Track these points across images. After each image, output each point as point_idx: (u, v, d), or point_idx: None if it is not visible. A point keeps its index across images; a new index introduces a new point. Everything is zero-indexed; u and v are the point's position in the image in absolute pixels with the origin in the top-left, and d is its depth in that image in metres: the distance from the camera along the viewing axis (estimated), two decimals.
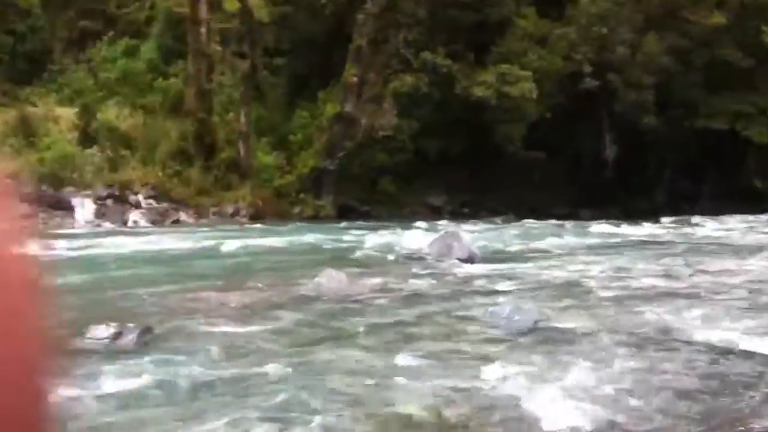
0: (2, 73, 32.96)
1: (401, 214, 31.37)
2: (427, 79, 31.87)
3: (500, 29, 33.72)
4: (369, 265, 12.08)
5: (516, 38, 34.32)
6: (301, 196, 30.89)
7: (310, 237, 19.14)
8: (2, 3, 32.58)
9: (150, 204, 27.99)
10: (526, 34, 34.28)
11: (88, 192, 27.21)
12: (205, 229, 23.39)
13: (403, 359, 5.30)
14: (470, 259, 11.88)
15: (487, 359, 5.21)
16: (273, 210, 29.64)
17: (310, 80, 34.49)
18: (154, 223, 26.06)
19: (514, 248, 15.70)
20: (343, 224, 25.99)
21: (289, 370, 5.02)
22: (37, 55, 33.94)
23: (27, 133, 28.93)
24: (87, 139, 29.71)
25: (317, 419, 3.93)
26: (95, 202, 26.63)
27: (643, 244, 16.99)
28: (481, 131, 31.97)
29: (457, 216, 30.41)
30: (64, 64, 34.92)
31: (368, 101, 32.00)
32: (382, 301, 8.13)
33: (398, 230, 19.67)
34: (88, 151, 29.14)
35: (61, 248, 14.88)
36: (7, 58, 32.92)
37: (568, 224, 24.78)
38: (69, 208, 25.83)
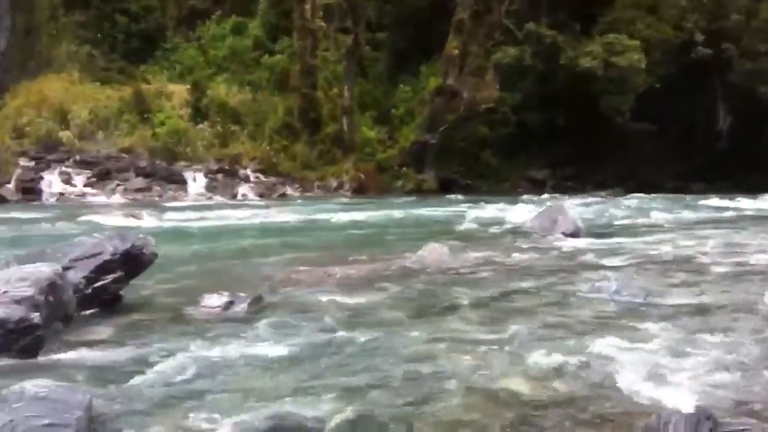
0: (118, 52, 34.38)
1: (503, 188, 31.07)
2: (531, 50, 31.27)
3: None
4: (471, 238, 12.07)
5: (624, 6, 33.20)
6: (403, 169, 31.03)
7: (412, 210, 19.26)
8: None
9: (258, 178, 28.78)
10: (634, 3, 33.11)
11: (200, 166, 28.22)
12: (309, 202, 23.89)
13: (507, 333, 5.30)
14: (575, 234, 11.68)
15: (594, 335, 5.15)
16: (375, 184, 29.93)
17: (411, 54, 34.45)
18: (261, 196, 26.80)
19: (621, 223, 15.34)
20: (445, 198, 25.99)
21: (394, 340, 5.10)
22: (151, 34, 35.19)
23: (142, 109, 30.19)
24: (198, 114, 30.75)
25: (421, 390, 4.00)
26: (206, 176, 27.60)
27: (760, 219, 16.27)
28: (587, 103, 31.19)
29: (561, 190, 29.88)
30: (175, 42, 36.11)
31: (470, 74, 31.70)
32: (485, 274, 8.12)
33: (500, 204, 19.53)
34: (200, 126, 30.18)
35: (175, 220, 15.52)
36: (122, 37, 34.30)
37: (679, 198, 23.96)
38: (182, 182, 26.87)
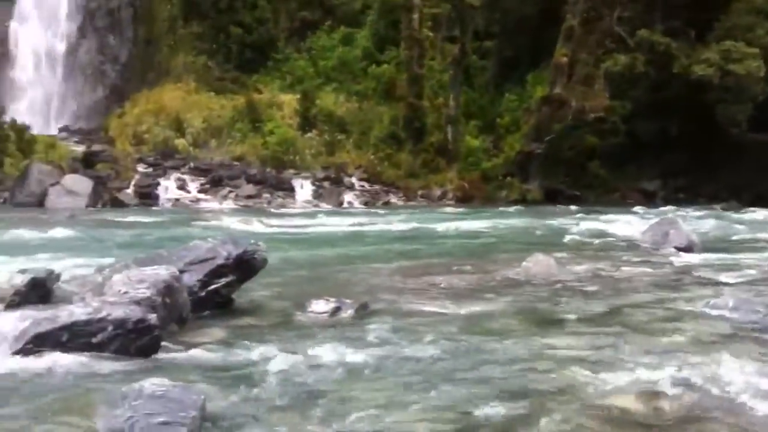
0: (232, 62, 35.54)
1: (611, 199, 30.32)
2: (643, 58, 30.40)
3: (724, 3, 31.42)
4: (578, 250, 11.82)
5: (742, 13, 31.81)
6: (508, 179, 30.75)
7: (517, 220, 19.04)
8: None
9: (363, 186, 29.14)
10: (753, 8, 31.68)
11: (307, 174, 28.83)
12: (414, 211, 23.99)
13: (617, 348, 5.16)
14: (689, 248, 11.25)
15: (710, 353, 4.95)
16: (479, 193, 29.77)
17: (518, 63, 34.13)
18: (366, 204, 27.12)
19: (738, 237, 14.70)
20: (551, 208, 25.57)
21: (500, 352, 5.06)
22: (263, 45, 36.21)
23: (253, 118, 31.14)
24: (306, 123, 31.44)
25: (529, 405, 3.95)
26: (313, 184, 28.17)
27: None
28: (702, 112, 30.04)
29: (673, 202, 28.88)
30: (286, 53, 37.05)
31: (579, 82, 31.13)
32: (593, 287, 7.94)
33: (609, 215, 19.07)
34: (308, 135, 30.85)
35: (283, 226, 15.90)
36: (236, 48, 35.45)
37: None
38: (290, 189, 27.52)
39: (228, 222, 16.39)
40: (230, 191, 26.74)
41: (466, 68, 33.36)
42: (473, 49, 34.08)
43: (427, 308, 6.63)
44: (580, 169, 31.54)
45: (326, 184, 28.43)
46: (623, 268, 9.40)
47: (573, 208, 25.59)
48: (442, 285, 8.03)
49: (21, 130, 27.17)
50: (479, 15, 34.42)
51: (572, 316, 6.36)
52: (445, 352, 4.98)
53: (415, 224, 17.53)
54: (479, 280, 8.44)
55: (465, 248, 12.71)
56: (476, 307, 6.69)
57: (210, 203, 25.70)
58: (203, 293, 6.38)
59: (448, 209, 25.26)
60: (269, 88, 34.17)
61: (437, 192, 29.71)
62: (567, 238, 13.84)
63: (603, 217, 18.65)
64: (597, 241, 13.39)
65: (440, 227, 16.46)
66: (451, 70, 32.56)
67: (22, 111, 33.22)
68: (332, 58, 36.20)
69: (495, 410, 3.81)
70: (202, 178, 27.45)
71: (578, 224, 16.44)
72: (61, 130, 33.48)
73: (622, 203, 28.89)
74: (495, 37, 35.18)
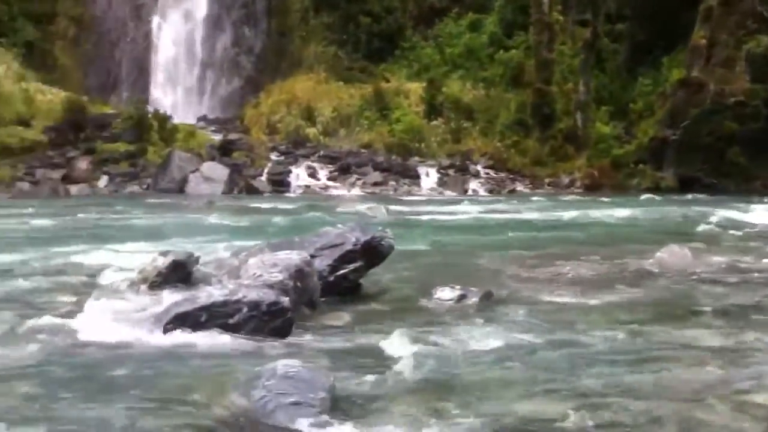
0: (361, 52, 36.02)
1: (752, 188, 28.69)
2: None
3: None
4: (715, 241, 11.31)
5: None
6: (640, 167, 29.67)
7: (650, 210, 18.41)
8: None
9: (488, 173, 28.93)
10: None
11: (432, 162, 28.91)
12: (540, 198, 23.61)
13: (755, 344, 4.94)
14: None
15: None
16: (609, 181, 28.92)
17: (652, 46, 32.80)
18: (491, 192, 26.91)
19: None
20: (686, 197, 24.53)
21: (630, 344, 4.95)
22: (391, 34, 36.47)
23: (381, 106, 31.49)
24: (433, 111, 31.49)
25: (660, 398, 3.85)
26: (438, 171, 28.22)
27: None
28: None
29: None
30: (414, 41, 37.17)
31: (718, 65, 29.59)
32: (731, 280, 7.60)
33: (749, 205, 18.08)
34: (434, 122, 30.90)
35: (409, 213, 16.05)
36: (365, 37, 35.88)
37: None
38: (415, 177, 27.69)
39: (356, 208, 16.70)
40: (358, 178, 27.21)
41: (597, 52, 32.40)
42: (605, 33, 33.04)
43: (553, 298, 6.55)
44: (717, 157, 29.98)
45: (451, 171, 28.41)
46: (764, 261, 8.93)
47: (710, 197, 24.45)
48: (569, 275, 7.90)
49: (163, 119, 28.64)
50: None
51: (707, 309, 6.12)
52: (573, 343, 4.92)
53: (541, 212, 17.26)
54: (609, 270, 8.24)
55: (593, 237, 12.41)
56: (605, 298, 6.55)
57: (338, 190, 26.25)
58: (332, 278, 6.57)
59: (577, 197, 24.70)
60: (396, 76, 34.43)
61: (565, 180, 29.09)
62: (704, 228, 13.25)
63: (742, 206, 17.71)
64: (736, 232, 12.75)
65: (568, 215, 16.14)
66: (581, 54, 31.72)
67: (165, 101, 35.08)
68: (459, 45, 36.03)
69: (622, 403, 3.74)
70: (331, 165, 28.06)
71: (716, 214, 15.70)
72: (199, 119, 35.05)
73: (763, 192, 27.33)
74: (627, 20, 33.94)
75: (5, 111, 26.80)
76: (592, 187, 28.20)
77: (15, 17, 32.69)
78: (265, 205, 18.93)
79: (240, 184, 25.25)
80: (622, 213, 16.92)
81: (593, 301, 6.42)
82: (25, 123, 27.00)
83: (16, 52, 30.89)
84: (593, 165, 29.36)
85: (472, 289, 6.50)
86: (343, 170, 27.70)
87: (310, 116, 31.47)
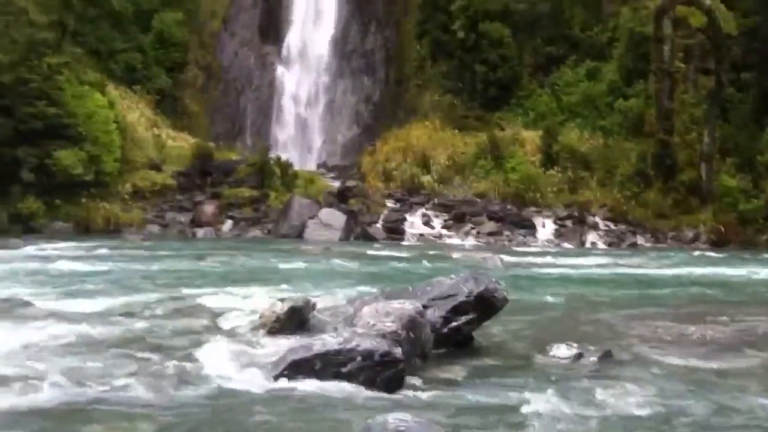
0: (477, 100, 36.16)
1: None
2: None
3: None
4: None
5: None
6: None
7: None
8: (478, 35, 35.71)
9: (607, 226, 28.18)
10: None
11: (548, 212, 28.44)
12: (663, 253, 22.79)
13: None
14: None
15: None
16: (736, 237, 27.59)
17: None
18: (610, 245, 26.15)
19: None
20: None
21: (761, 414, 4.66)
22: (507, 82, 36.44)
23: (496, 155, 31.38)
24: (548, 160, 31.10)
25: None
26: (555, 222, 27.73)
27: None
28: None
29: None
30: (530, 89, 37.01)
31: None
32: None
33: None
34: (550, 172, 30.49)
35: (524, 265, 15.81)
36: (481, 86, 36.02)
37: None
38: (531, 227, 27.30)
39: (470, 258, 16.61)
40: (472, 227, 27.08)
41: (722, 102, 31.22)
42: (730, 81, 31.83)
43: (677, 361, 6.27)
44: None
45: (568, 222, 27.83)
46: None
47: None
48: (694, 336, 7.54)
49: (285, 165, 29.59)
50: (736, 45, 32.16)
51: None
52: (699, 409, 4.68)
53: (664, 268, 16.63)
54: (737, 332, 7.82)
55: (721, 297, 11.83)
56: (734, 363, 6.21)
57: (453, 239, 26.18)
58: (445, 330, 6.53)
59: (702, 253, 23.67)
60: (512, 124, 34.28)
61: (689, 234, 27.94)
62: None
63: None
64: None
65: (693, 272, 15.48)
66: (705, 103, 30.65)
67: (287, 148, 36.34)
68: (577, 93, 35.57)
69: None
70: (445, 214, 28.09)
71: None
72: (319, 166, 36.01)
73: None
74: (754, 68, 32.62)
75: (138, 155, 28.43)
76: (719, 243, 26.96)
77: (149, 66, 34.80)
78: (380, 253, 19.15)
79: (356, 231, 25.63)
80: (750, 271, 16.08)
81: (721, 365, 6.10)
82: (156, 167, 28.50)
83: (149, 99, 32.83)
84: (719, 219, 28.11)
85: (590, 347, 6.32)
86: (457, 219, 27.66)
87: (425, 164, 31.72)
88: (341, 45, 39.55)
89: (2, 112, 24.39)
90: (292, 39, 39.42)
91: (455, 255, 18.16)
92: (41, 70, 25.18)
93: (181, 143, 31.03)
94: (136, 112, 30.75)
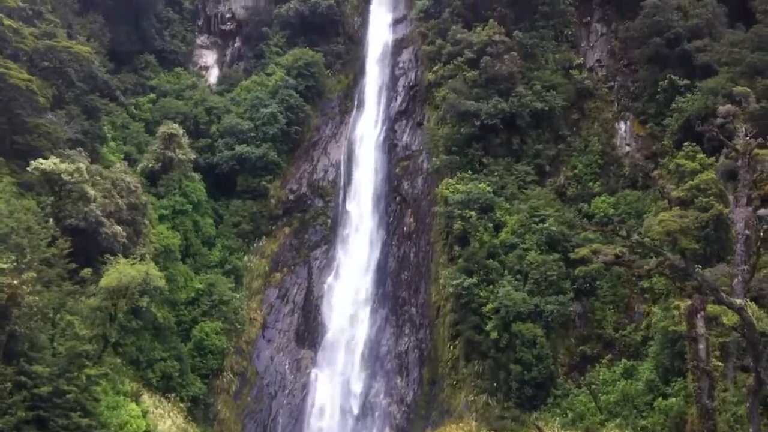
0: (512, 400, 35.76)
1: None
2: None
3: None
4: None
5: None
6: None
7: None
8: (511, 335, 36.06)
9: None
10: None
11: None
12: None
13: None
14: None
15: None
16: None
17: None
18: None
19: None
20: None
21: None
22: (542, 381, 36.26)
23: None
24: None
25: None
26: None
27: None
28: None
29: None
30: (566, 388, 36.66)
31: None
32: None
33: None
34: None
35: None
36: (516, 385, 35.83)
37: None
38: None
39: None
40: None
41: (763, 399, 30.37)
42: None
43: None
44: None
45: None
46: None
47: None
48: None
49: None
50: None
51: None
52: None
53: None
54: None
55: None
56: None
57: None
58: None
59: None
60: (549, 425, 33.47)
61: None
62: None
63: None
64: None
65: None
66: (747, 402, 29.84)
67: None
68: (614, 392, 35.00)
69: None
70: None
71: None
72: None
73: None
74: None
75: None
76: None
77: (185, 373, 35.32)
78: None
79: None
80: None
81: None
82: None
83: (181, 407, 32.94)
84: None
85: None
86: None
87: None
88: (375, 347, 40.28)
89: (36, 423, 24.64)
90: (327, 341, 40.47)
91: None
92: (80, 381, 25.80)
93: None
94: (167, 420, 30.80)
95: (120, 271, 31.34)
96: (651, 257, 35.00)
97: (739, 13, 43.67)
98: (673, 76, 42.22)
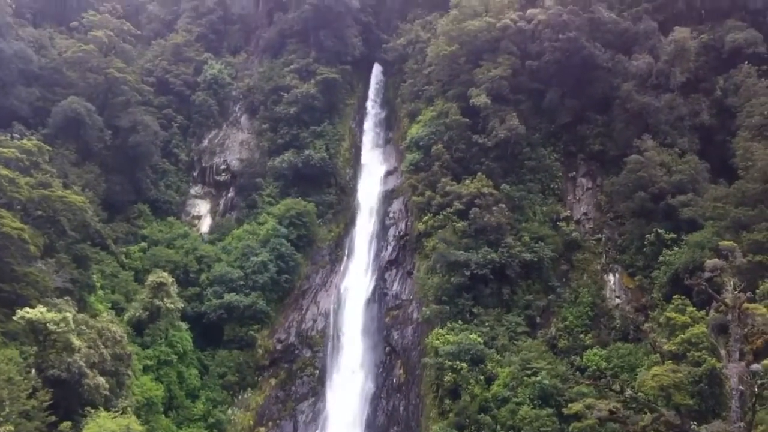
0: None
1: None
2: None
3: None
4: None
5: None
6: None
7: None
8: None
9: None
10: None
11: None
12: None
13: None
14: None
15: None
16: None
17: None
18: None
19: None
20: None
21: None
22: None
23: None
24: None
25: None
26: None
27: None
28: None
29: None
30: None
31: None
32: None
33: None
34: None
35: None
36: None
37: None
38: None
39: None
40: None
41: None
42: None
43: None
44: None
45: None
46: None
47: None
48: None
49: None
50: None
51: None
52: None
53: None
54: None
55: None
56: None
57: None
58: None
59: None
60: None
61: None
62: None
63: None
64: None
65: None
66: None
67: None
68: None
69: None
70: None
71: None
72: None
73: None
74: None
75: None
76: None
77: None
78: None
79: None
80: None
81: None
82: None
83: None
84: None
85: None
86: None
87: None
88: None
89: None
90: None
91: None
92: None
93: None
94: None
95: (100, 425, 30.49)
96: (645, 413, 34.15)
97: (720, 169, 44.98)
98: (659, 230, 42.89)
